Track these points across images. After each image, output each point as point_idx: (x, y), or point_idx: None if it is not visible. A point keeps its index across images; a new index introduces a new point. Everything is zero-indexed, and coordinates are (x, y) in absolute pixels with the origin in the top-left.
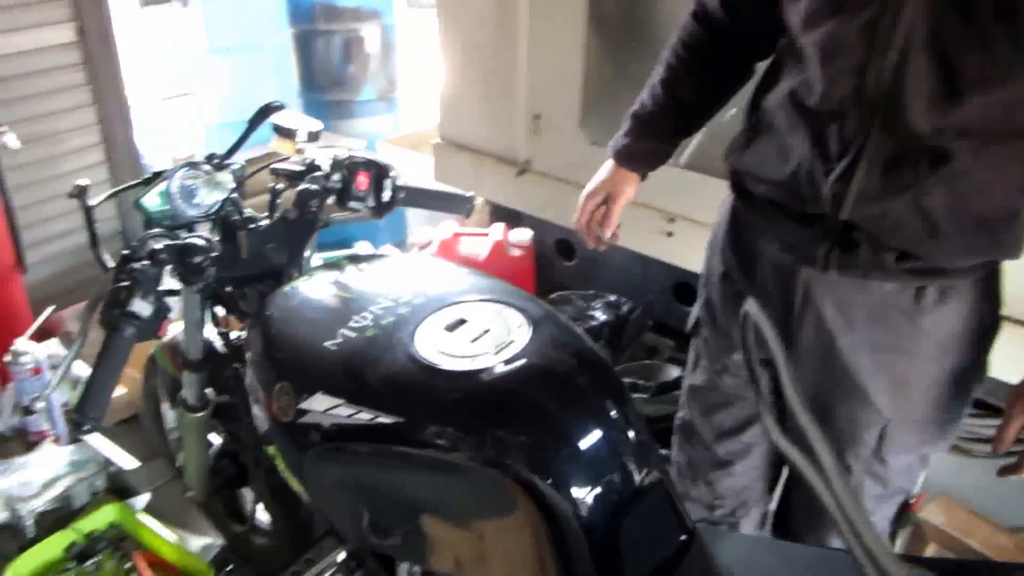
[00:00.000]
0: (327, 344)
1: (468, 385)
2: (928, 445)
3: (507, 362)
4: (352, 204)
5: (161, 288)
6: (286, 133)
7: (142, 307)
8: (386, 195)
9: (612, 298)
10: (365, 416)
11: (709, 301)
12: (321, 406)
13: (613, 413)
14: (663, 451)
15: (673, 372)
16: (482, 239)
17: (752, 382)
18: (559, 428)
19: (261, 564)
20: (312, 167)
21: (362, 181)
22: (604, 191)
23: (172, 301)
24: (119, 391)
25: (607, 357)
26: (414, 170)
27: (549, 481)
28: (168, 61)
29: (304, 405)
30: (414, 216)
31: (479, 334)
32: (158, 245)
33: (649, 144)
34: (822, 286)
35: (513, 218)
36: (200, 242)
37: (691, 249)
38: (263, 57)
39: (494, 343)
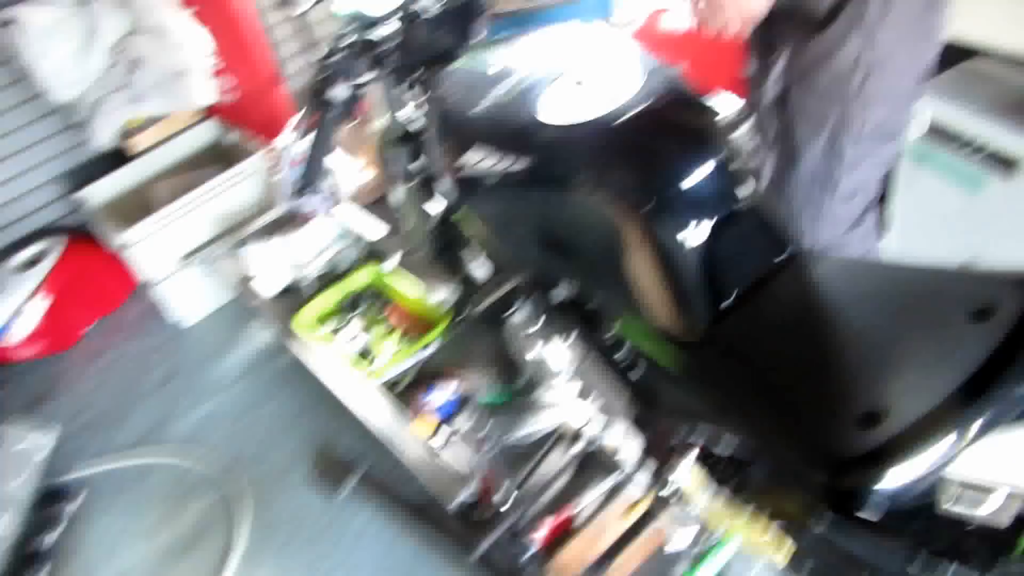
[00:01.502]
0: (478, 110)
1: (576, 135)
2: None
3: (612, 113)
4: None
5: (359, 79)
6: None
7: (341, 92)
8: None
9: None
10: (505, 163)
11: None
12: (475, 158)
13: (709, 149)
14: None
15: None
16: (682, 11)
17: None
18: (658, 164)
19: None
20: None
21: None
22: None
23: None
24: (370, 174)
25: (707, 103)
26: None
27: (653, 209)
28: None
29: (464, 160)
30: None
31: (592, 91)
32: (348, 41)
33: None
34: None
35: None
36: (381, 34)
37: None
38: None
39: (605, 98)
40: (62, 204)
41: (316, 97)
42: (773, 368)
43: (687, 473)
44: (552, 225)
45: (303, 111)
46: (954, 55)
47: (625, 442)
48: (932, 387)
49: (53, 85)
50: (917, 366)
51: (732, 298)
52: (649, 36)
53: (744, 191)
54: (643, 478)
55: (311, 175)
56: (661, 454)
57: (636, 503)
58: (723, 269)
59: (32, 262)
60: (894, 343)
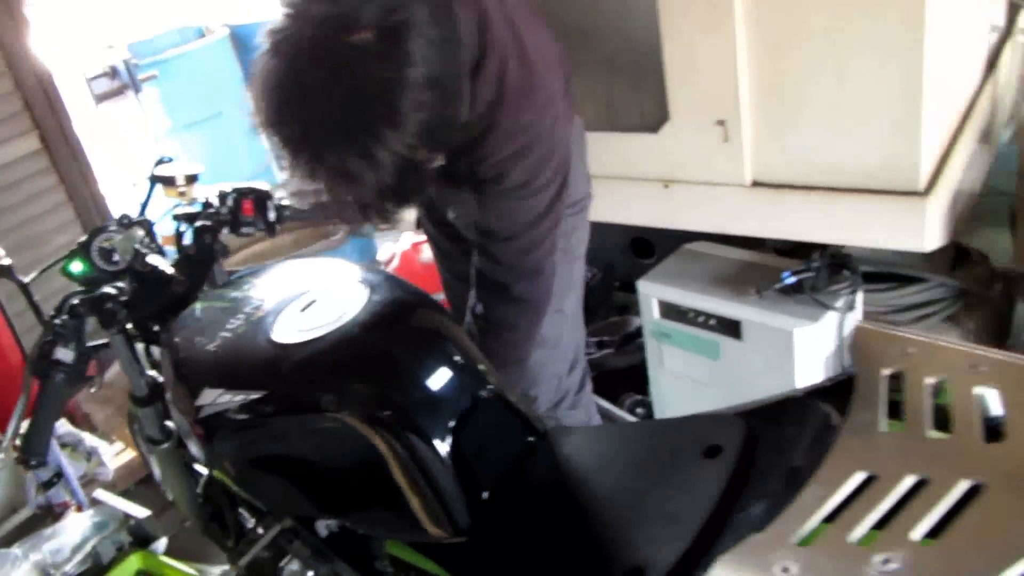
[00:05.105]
0: (209, 347)
1: (311, 352)
2: None
3: (344, 326)
4: (243, 229)
5: (91, 339)
6: (166, 181)
7: (65, 355)
8: (271, 215)
9: None
10: (239, 398)
11: None
12: (209, 399)
13: (442, 346)
14: (637, 396)
15: (635, 323)
16: None
17: None
18: (393, 369)
19: None
20: (206, 205)
21: (247, 207)
22: None
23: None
24: (131, 453)
25: (436, 304)
26: None
27: (393, 415)
28: (136, 146)
29: (198, 402)
30: (381, 236)
31: (324, 309)
32: (75, 300)
33: None
34: None
35: None
36: (110, 291)
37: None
38: (227, 124)
39: (335, 313)
40: None
41: (41, 361)
42: (541, 547)
43: None
44: (304, 454)
45: (26, 376)
46: (671, 240)
47: None
48: (682, 531)
49: None
50: (666, 513)
51: (492, 488)
52: (407, 269)
53: (483, 379)
54: None
55: (35, 444)
56: None
57: None
58: (476, 461)
59: None
60: (643, 496)
